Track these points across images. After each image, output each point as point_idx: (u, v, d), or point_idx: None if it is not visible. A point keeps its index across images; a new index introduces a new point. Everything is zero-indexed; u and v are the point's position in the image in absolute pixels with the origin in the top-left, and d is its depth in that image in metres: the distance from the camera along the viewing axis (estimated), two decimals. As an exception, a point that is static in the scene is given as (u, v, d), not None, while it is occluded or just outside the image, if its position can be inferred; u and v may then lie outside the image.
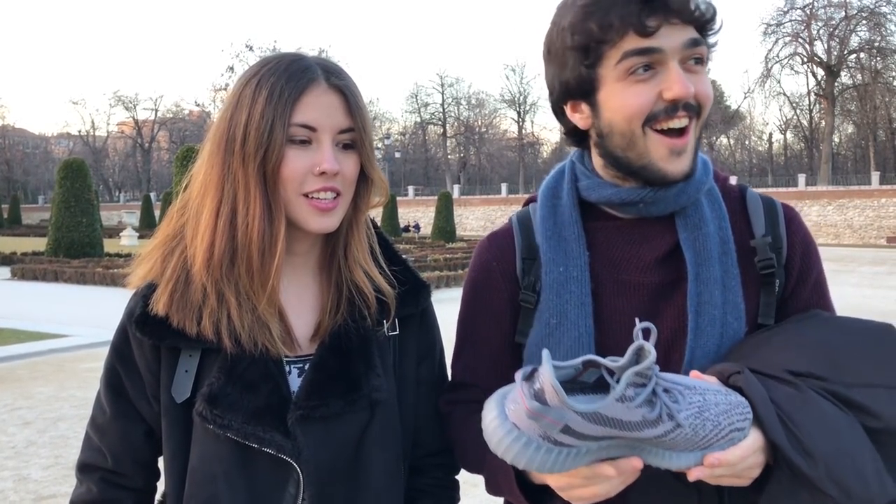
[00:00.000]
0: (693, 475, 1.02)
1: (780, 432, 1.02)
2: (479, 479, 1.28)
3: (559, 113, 1.30)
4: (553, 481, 1.07)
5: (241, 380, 1.23)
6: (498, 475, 1.19)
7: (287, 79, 1.23)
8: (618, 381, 0.95)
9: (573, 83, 1.22)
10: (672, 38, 1.13)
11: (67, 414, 6.92)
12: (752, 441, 1.03)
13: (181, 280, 1.25)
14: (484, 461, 1.22)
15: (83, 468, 1.35)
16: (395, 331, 1.36)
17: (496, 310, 1.35)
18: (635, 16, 1.11)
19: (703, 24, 1.16)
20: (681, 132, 1.17)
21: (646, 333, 0.96)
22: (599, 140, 1.25)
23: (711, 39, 1.19)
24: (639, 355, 0.94)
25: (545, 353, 0.94)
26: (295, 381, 1.28)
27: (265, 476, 1.23)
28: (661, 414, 0.96)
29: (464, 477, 1.45)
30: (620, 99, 1.17)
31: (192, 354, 1.25)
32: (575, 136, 1.32)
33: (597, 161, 1.30)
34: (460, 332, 1.41)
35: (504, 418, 0.96)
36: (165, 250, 1.29)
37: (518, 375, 0.96)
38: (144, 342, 1.26)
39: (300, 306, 1.32)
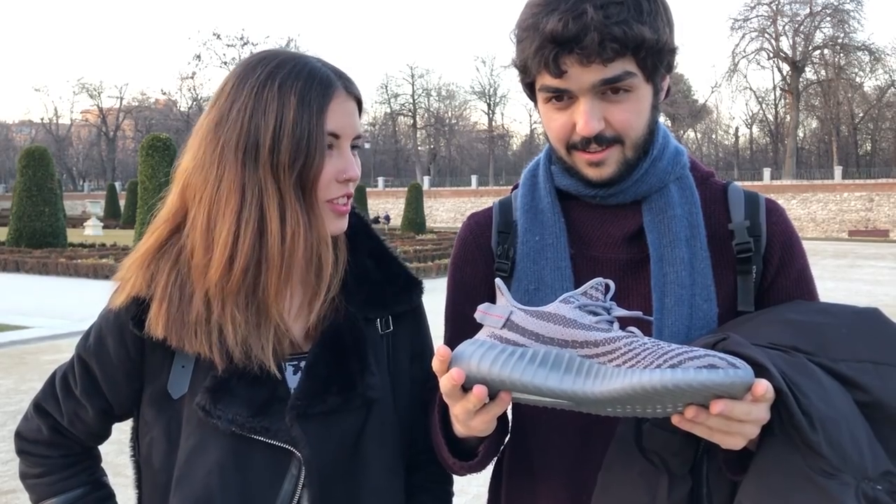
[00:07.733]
0: (688, 413, 0.94)
1: (782, 383, 0.97)
2: (473, 476, 1.29)
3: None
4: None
5: (245, 376, 1.21)
6: (435, 437, 1.26)
7: (312, 85, 1.20)
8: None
9: (525, 88, 1.27)
10: (583, 77, 1.13)
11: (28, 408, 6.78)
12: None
13: (175, 296, 1.20)
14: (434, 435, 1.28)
15: (38, 409, 1.36)
16: (389, 328, 1.35)
17: (473, 284, 1.36)
18: (547, 59, 1.13)
19: (631, 54, 1.13)
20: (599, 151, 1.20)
21: (605, 290, 1.03)
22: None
23: (652, 60, 1.15)
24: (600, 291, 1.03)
25: (498, 280, 1.08)
26: (292, 379, 1.27)
27: (261, 470, 1.21)
28: (613, 325, 0.98)
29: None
30: (545, 120, 1.24)
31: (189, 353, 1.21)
32: None
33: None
34: (446, 314, 1.41)
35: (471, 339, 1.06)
36: (149, 261, 1.23)
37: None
38: (129, 342, 1.25)
39: (292, 305, 1.30)
